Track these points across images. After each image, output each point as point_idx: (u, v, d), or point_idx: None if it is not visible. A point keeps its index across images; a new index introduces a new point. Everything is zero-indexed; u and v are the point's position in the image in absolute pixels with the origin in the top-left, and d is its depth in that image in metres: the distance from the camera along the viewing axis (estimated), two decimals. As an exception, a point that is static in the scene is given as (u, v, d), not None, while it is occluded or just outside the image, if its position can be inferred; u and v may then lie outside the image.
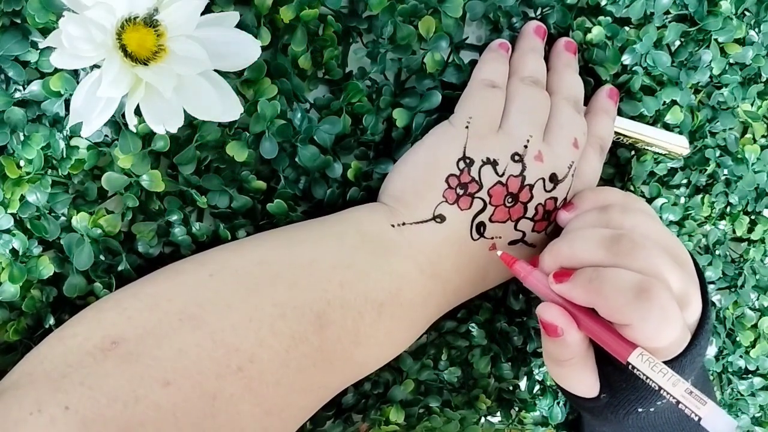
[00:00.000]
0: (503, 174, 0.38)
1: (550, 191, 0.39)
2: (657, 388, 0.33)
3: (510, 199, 0.38)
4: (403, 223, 0.38)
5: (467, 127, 0.38)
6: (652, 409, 0.37)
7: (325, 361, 0.34)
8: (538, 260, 0.37)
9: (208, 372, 0.30)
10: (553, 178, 0.39)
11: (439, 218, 0.38)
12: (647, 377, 0.33)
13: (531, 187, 0.38)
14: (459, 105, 0.40)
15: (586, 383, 0.38)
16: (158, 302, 0.32)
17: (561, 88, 0.41)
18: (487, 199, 0.38)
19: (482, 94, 0.40)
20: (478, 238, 0.38)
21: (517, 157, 0.38)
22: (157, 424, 0.29)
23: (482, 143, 0.38)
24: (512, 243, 0.39)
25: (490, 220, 0.38)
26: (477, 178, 0.38)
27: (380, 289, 0.36)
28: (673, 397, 0.32)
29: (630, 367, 0.33)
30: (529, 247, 0.40)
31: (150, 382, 0.29)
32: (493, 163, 0.38)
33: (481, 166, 0.38)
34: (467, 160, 0.38)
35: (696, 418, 0.31)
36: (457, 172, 0.38)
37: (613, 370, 0.37)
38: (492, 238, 0.39)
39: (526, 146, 0.38)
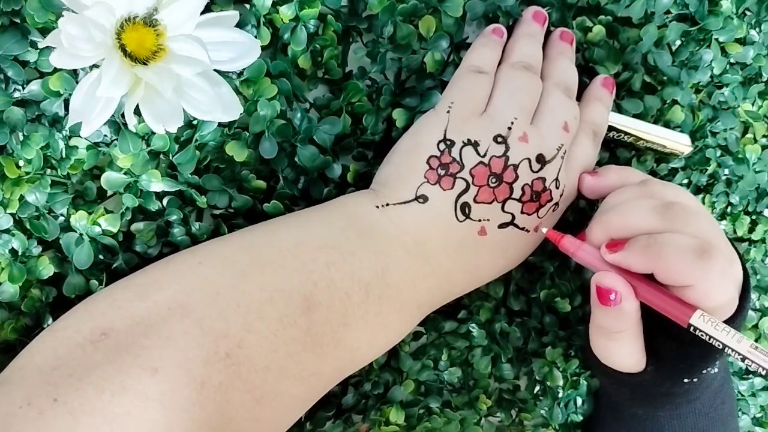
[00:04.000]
0: (485, 154, 0.38)
1: (537, 171, 0.39)
2: (721, 346, 0.33)
3: (494, 180, 0.38)
4: (387, 204, 0.38)
5: (449, 111, 0.39)
6: (695, 380, 0.38)
7: (315, 344, 0.34)
8: (584, 236, 0.38)
9: (195, 359, 0.30)
10: (540, 159, 0.39)
11: (422, 198, 0.38)
12: (710, 337, 0.33)
13: (515, 167, 0.38)
14: (445, 90, 0.40)
15: (634, 356, 0.38)
16: (148, 292, 0.32)
17: (552, 74, 0.41)
18: (470, 180, 0.38)
19: (466, 79, 0.40)
20: (464, 220, 0.38)
21: (500, 139, 0.38)
22: (145, 413, 0.29)
23: (463, 125, 0.38)
24: (502, 226, 0.39)
25: (475, 200, 0.38)
26: (458, 159, 0.38)
27: (366, 269, 0.36)
28: (739, 354, 0.33)
29: (692, 329, 0.34)
30: (521, 231, 0.40)
31: (138, 372, 0.29)
32: (475, 144, 0.38)
33: (462, 147, 0.38)
34: (448, 142, 0.38)
35: (764, 372, 0.33)
36: (438, 153, 0.38)
37: (664, 340, 0.37)
38: (479, 220, 0.38)
39: (510, 128, 0.39)
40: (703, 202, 0.50)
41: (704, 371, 0.38)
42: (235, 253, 0.34)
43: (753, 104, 0.50)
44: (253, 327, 0.32)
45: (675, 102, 0.47)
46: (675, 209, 0.36)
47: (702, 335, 0.34)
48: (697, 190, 0.50)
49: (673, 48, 0.47)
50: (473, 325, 0.46)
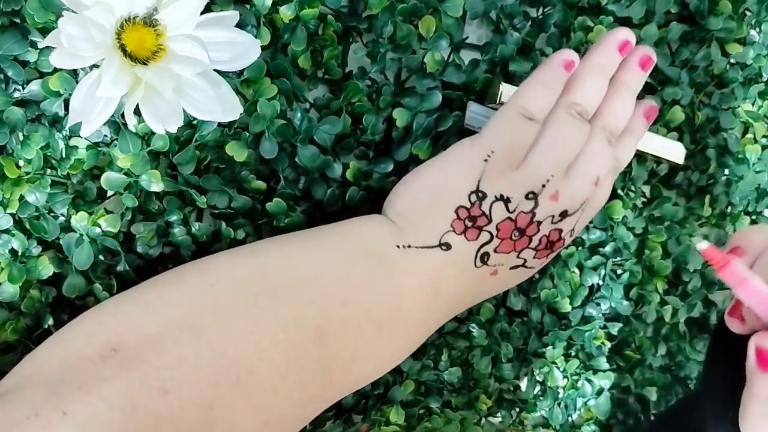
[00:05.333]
0: (514, 210, 0.37)
1: (556, 223, 0.38)
2: None
3: (517, 233, 0.37)
4: (409, 246, 0.37)
5: (486, 160, 0.37)
6: None
7: (324, 374, 0.34)
8: (737, 253, 0.32)
9: (206, 382, 0.30)
10: (563, 214, 0.38)
11: (445, 246, 0.37)
12: None
13: (539, 223, 0.38)
14: (487, 129, 0.38)
15: None
16: (158, 309, 0.32)
17: (604, 113, 0.39)
18: (495, 233, 0.37)
19: (513, 126, 0.37)
20: (481, 266, 0.38)
21: (531, 195, 0.37)
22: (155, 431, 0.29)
23: (498, 179, 0.37)
24: (513, 268, 0.39)
25: (495, 251, 0.38)
26: (487, 213, 0.37)
27: (381, 306, 0.36)
28: None
29: None
30: (528, 269, 0.40)
31: (148, 390, 0.29)
32: (506, 201, 0.37)
33: (493, 202, 0.37)
34: (480, 194, 0.37)
35: None
36: (468, 205, 0.37)
37: None
38: (494, 265, 0.38)
39: (544, 185, 0.37)
40: (703, 202, 0.50)
41: None
42: (247, 277, 0.34)
43: (753, 104, 0.50)
44: (264, 355, 0.32)
45: (675, 102, 0.47)
46: None
47: None
48: (697, 190, 0.50)
49: (673, 48, 0.47)
50: (473, 325, 0.46)
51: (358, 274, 0.35)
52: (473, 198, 0.37)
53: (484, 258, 0.38)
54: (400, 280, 0.36)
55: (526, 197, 0.37)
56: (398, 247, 0.37)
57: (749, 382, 0.30)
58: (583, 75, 0.38)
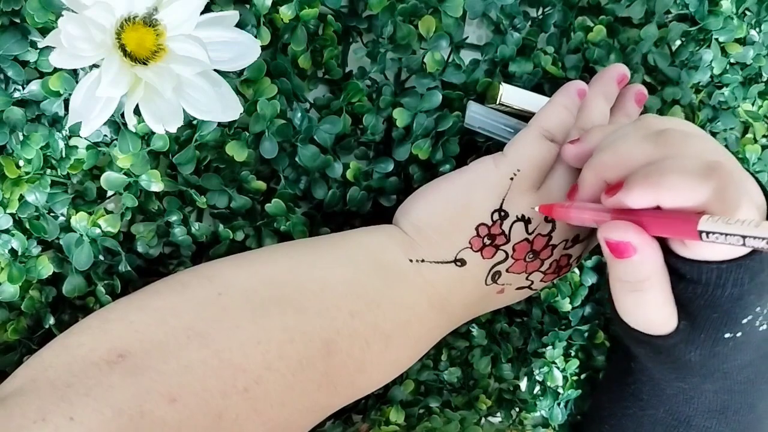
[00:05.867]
0: (532, 232, 0.37)
1: (567, 249, 0.39)
2: (741, 241, 0.28)
3: (531, 255, 0.38)
4: (423, 260, 0.37)
5: (512, 178, 0.37)
6: (739, 334, 0.33)
7: (330, 385, 0.34)
8: (573, 192, 0.36)
9: (213, 390, 0.30)
10: (576, 240, 0.39)
11: (460, 262, 0.37)
12: (726, 235, 0.28)
13: (554, 247, 0.38)
14: (510, 148, 0.38)
15: (663, 310, 0.34)
16: (165, 317, 0.32)
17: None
18: (511, 253, 0.38)
19: (537, 145, 0.38)
20: (491, 284, 0.38)
21: (550, 218, 0.37)
22: None
23: (521, 199, 0.37)
24: (519, 288, 0.40)
25: (507, 270, 0.38)
26: (507, 233, 0.37)
27: (390, 320, 0.36)
28: (763, 239, 0.27)
29: (704, 236, 0.29)
30: (531, 291, 0.40)
31: (156, 398, 0.29)
32: (527, 221, 0.37)
33: (514, 222, 0.37)
34: (502, 213, 0.37)
35: None
36: (490, 223, 0.37)
37: (689, 288, 0.33)
38: (503, 284, 0.39)
39: None
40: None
41: (745, 320, 0.33)
42: (255, 286, 0.34)
43: (753, 104, 0.50)
44: (272, 365, 0.32)
45: (675, 102, 0.47)
46: (670, 135, 0.32)
47: (716, 237, 0.28)
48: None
49: (673, 48, 0.47)
50: (473, 325, 0.46)
51: (367, 286, 0.35)
52: (495, 216, 0.37)
53: (495, 277, 0.38)
54: (410, 295, 0.37)
55: (546, 219, 0.37)
56: (411, 261, 0.37)
57: (609, 269, 0.34)
58: (590, 102, 0.40)
